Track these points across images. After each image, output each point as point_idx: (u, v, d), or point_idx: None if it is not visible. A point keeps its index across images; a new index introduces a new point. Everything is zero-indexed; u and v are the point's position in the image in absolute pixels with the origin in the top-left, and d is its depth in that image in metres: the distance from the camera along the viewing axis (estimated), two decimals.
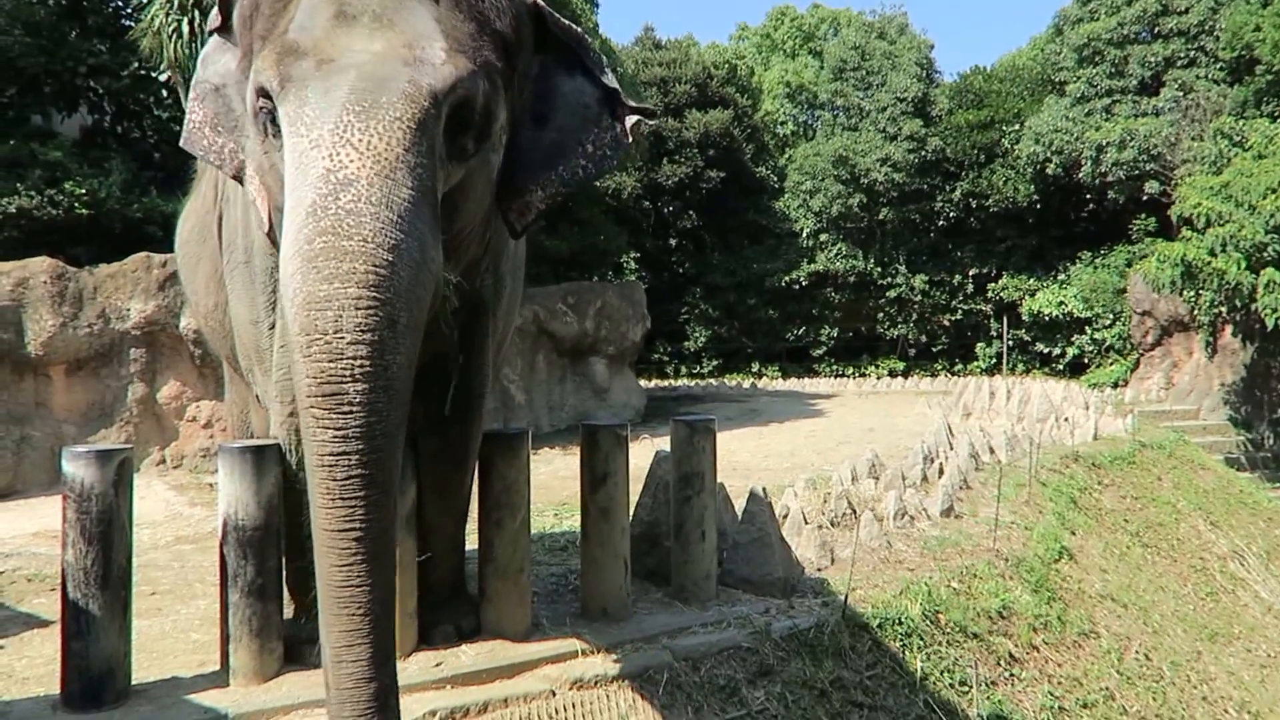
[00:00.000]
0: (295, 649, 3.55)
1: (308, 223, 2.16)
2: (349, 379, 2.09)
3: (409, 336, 2.22)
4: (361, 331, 2.09)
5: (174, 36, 10.00)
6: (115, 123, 12.37)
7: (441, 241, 2.47)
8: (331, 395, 2.09)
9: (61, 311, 8.85)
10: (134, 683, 3.32)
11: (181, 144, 3.11)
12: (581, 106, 3.03)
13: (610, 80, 3.04)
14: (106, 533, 3.15)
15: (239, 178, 3.01)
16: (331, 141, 2.24)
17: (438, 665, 3.56)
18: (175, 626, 4.36)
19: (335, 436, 2.10)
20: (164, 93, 11.97)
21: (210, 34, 3.11)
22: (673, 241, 26.22)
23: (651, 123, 3.11)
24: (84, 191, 10.13)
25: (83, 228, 10.22)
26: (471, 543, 4.06)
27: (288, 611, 3.66)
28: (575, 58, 3.03)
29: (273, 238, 2.76)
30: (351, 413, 2.10)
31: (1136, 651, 6.00)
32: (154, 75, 11.35)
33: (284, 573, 3.58)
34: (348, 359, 2.08)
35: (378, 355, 2.12)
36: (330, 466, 2.11)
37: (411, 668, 3.54)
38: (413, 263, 2.22)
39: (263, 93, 2.46)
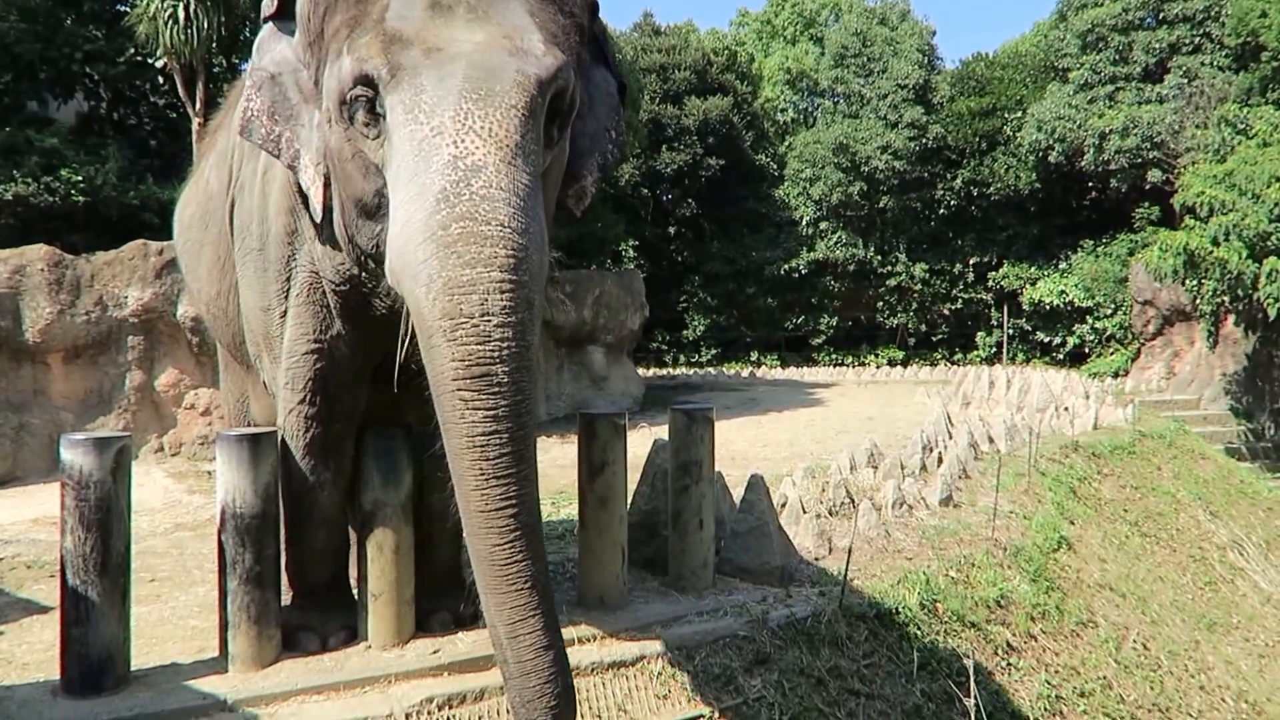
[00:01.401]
0: (293, 636, 3.57)
1: (440, 208, 2.20)
2: (497, 361, 2.15)
3: (539, 319, 2.31)
4: (507, 314, 2.16)
5: (170, 23, 9.96)
6: (111, 109, 12.35)
7: None
8: (481, 377, 2.14)
9: (59, 299, 8.84)
10: (133, 669, 3.34)
11: (239, 133, 3.11)
12: (608, 95, 3.18)
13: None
14: (105, 520, 3.16)
15: (293, 166, 3.02)
16: (454, 128, 2.29)
17: (435, 652, 3.58)
18: (174, 613, 4.38)
19: (486, 417, 2.16)
20: (160, 79, 11.93)
21: (265, 21, 3.11)
22: (671, 230, 26.18)
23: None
24: (80, 179, 10.12)
25: (79, 215, 10.21)
26: None
27: (285, 598, 3.67)
28: (600, 49, 3.16)
29: (333, 230, 2.83)
30: (501, 393, 2.16)
31: (1134, 641, 6.01)
32: (150, 62, 11.32)
33: (282, 560, 3.59)
34: (495, 341, 2.14)
35: (520, 336, 2.19)
36: (483, 447, 2.17)
37: (409, 655, 3.56)
38: (540, 246, 2.30)
39: (364, 80, 2.48)
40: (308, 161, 2.93)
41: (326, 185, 2.88)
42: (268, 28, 3.09)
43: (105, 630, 3.18)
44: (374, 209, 2.65)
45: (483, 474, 2.18)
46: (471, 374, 2.15)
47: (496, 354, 2.15)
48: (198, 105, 10.78)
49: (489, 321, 2.14)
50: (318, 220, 2.99)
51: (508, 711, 3.37)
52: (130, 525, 3.30)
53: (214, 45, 10.63)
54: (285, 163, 3.05)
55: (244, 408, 4.51)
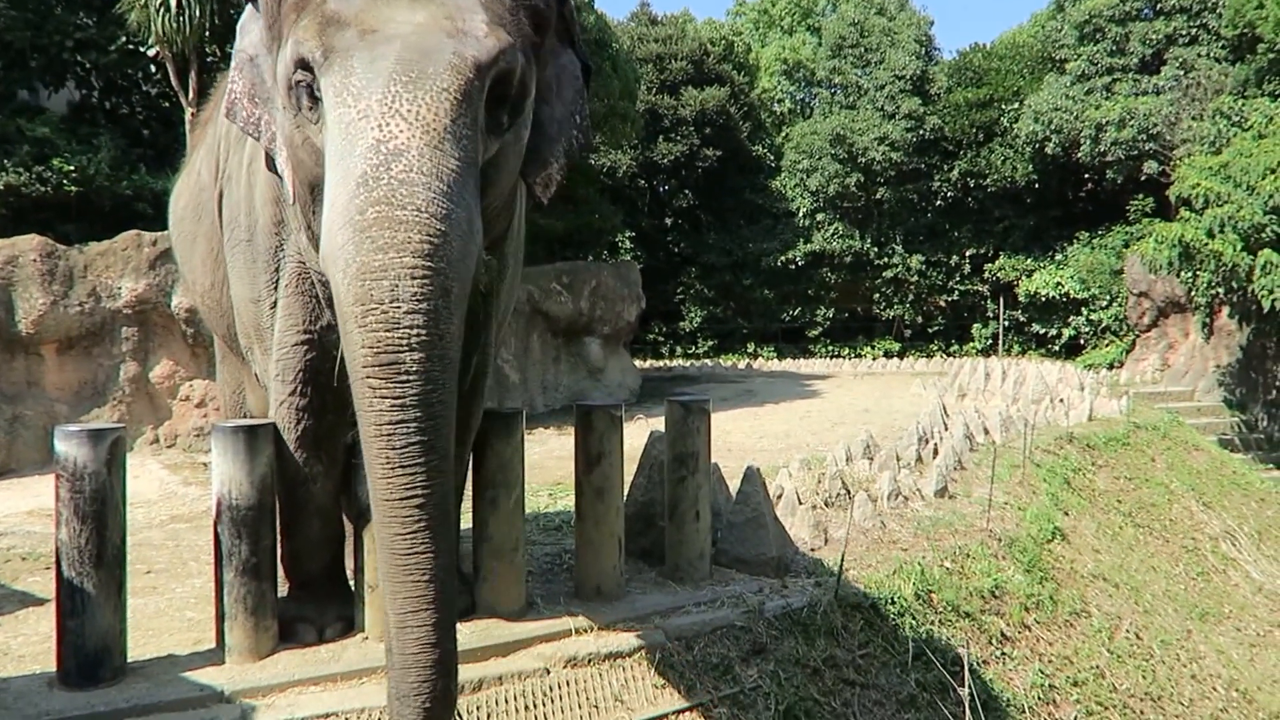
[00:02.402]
0: (290, 627, 3.58)
1: (359, 193, 2.17)
2: (406, 348, 2.11)
3: (460, 306, 2.26)
4: (418, 301, 2.12)
5: (161, 10, 9.89)
6: (103, 98, 12.28)
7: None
8: (389, 365, 2.11)
9: (52, 290, 8.80)
10: (130, 660, 3.34)
11: (224, 115, 3.08)
12: (574, 79, 3.10)
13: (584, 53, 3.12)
14: (100, 511, 3.16)
15: (271, 150, 2.99)
16: (380, 112, 2.25)
17: None
18: (170, 605, 4.37)
19: (394, 405, 2.12)
20: (152, 68, 11.86)
21: (247, 3, 3.07)
22: (668, 221, 26.13)
23: None
24: (72, 168, 10.07)
25: (72, 205, 10.17)
26: (466, 522, 4.07)
27: (282, 590, 3.67)
28: (569, 32, 3.08)
29: (305, 214, 2.76)
30: (409, 381, 2.12)
31: (1127, 630, 6.04)
32: (142, 50, 11.25)
33: (278, 551, 3.59)
34: (404, 328, 2.11)
35: (433, 324, 2.14)
36: (389, 435, 2.13)
37: None
38: (463, 233, 2.24)
39: (302, 64, 2.45)
40: (281, 144, 2.88)
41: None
42: (248, 9, 3.06)
43: (101, 622, 3.18)
44: (319, 195, 2.60)
45: (388, 462, 2.15)
46: (380, 361, 2.12)
47: (405, 341, 2.11)
48: (190, 94, 10.72)
49: (399, 308, 2.11)
50: (289, 204, 2.95)
51: (508, 702, 3.40)
52: (125, 517, 3.31)
53: (206, 33, 10.56)
54: (264, 145, 3.01)
55: (240, 399, 4.50)
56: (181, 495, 7.52)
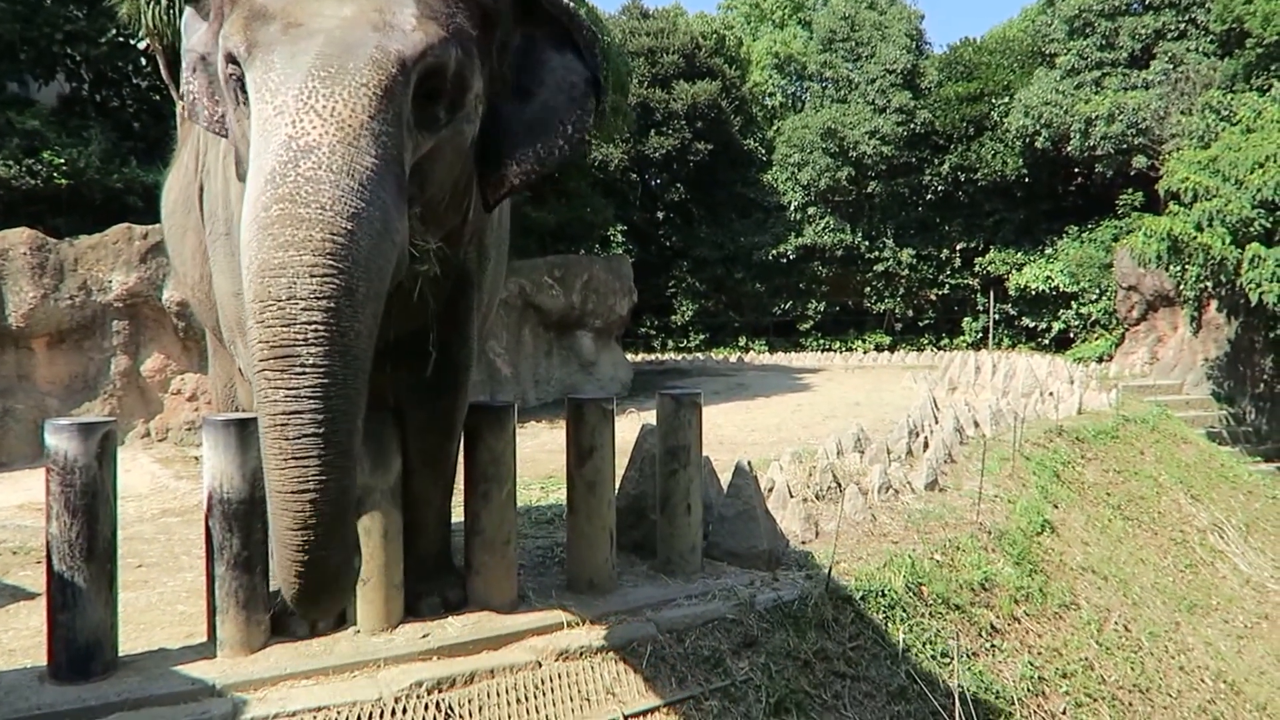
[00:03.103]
0: (282, 620, 3.57)
1: (265, 190, 2.16)
2: (301, 342, 2.09)
3: (369, 305, 2.22)
4: (316, 299, 2.10)
5: (152, 3, 9.81)
6: (94, 91, 12.17)
7: (413, 210, 2.46)
8: (283, 358, 2.10)
9: (42, 283, 8.75)
10: (121, 654, 3.34)
11: (187, 115, 3.08)
12: (569, 85, 3.00)
13: (598, 63, 3.01)
14: (91, 505, 3.16)
15: (237, 145, 2.98)
16: (295, 108, 2.22)
17: (424, 637, 3.59)
18: (162, 598, 4.36)
19: (287, 396, 2.10)
20: (143, 61, 11.77)
21: (189, 2, 3.06)
22: (660, 214, 26.10)
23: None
24: (63, 161, 9.98)
25: (62, 198, 10.08)
26: (458, 515, 4.08)
27: (273, 583, 3.67)
28: (566, 34, 3.00)
29: None
30: (304, 374, 2.10)
31: (1116, 623, 6.08)
32: (133, 43, 11.17)
33: (269, 545, 3.59)
34: (300, 324, 2.09)
35: (333, 322, 2.12)
36: (282, 426, 2.12)
37: (398, 639, 3.57)
38: (374, 231, 2.21)
39: (231, 59, 2.43)
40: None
41: None
42: (189, 9, 3.04)
43: (92, 616, 3.18)
44: None
45: (281, 453, 2.14)
46: (275, 354, 2.10)
47: (302, 336, 2.09)
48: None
49: (295, 305, 2.09)
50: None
51: (500, 695, 3.41)
52: (116, 510, 3.30)
53: None
54: (229, 142, 2.99)
55: (231, 393, 4.50)
56: (173, 489, 7.50)
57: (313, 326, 2.10)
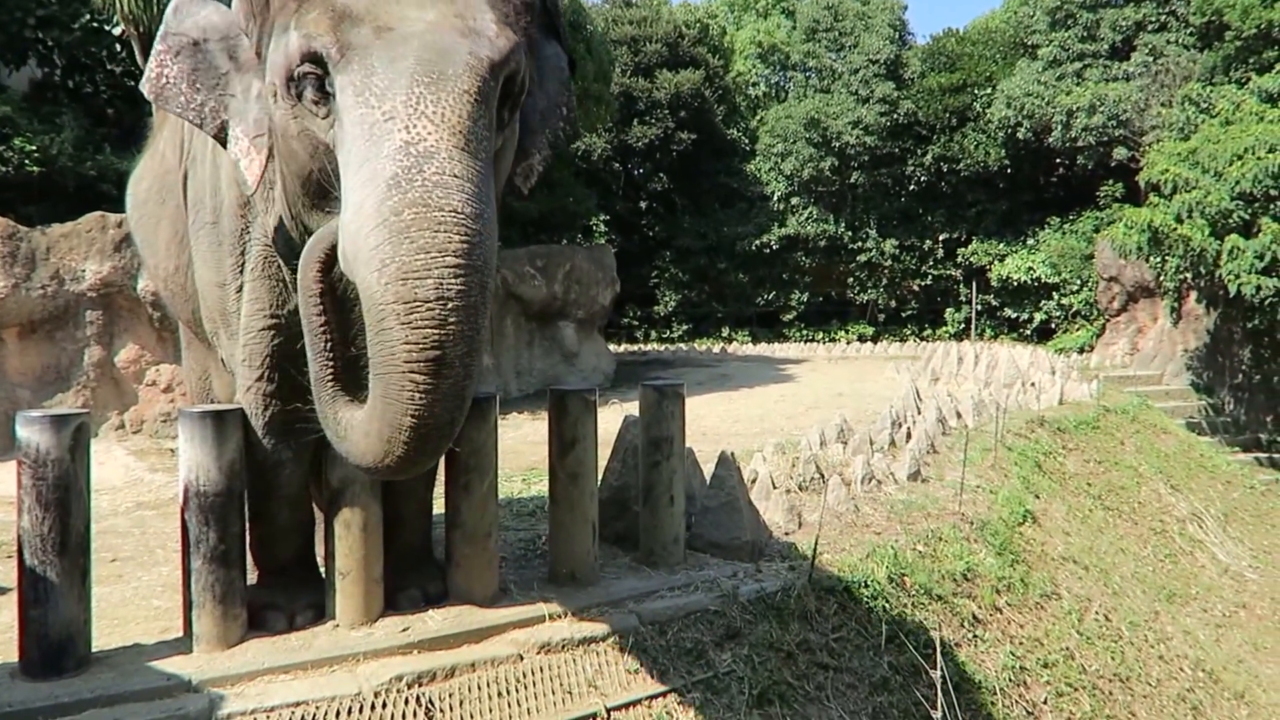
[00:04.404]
0: (259, 614, 3.54)
1: (392, 194, 2.21)
2: (451, 343, 2.20)
3: (490, 301, 2.37)
4: (462, 298, 2.20)
5: None
6: (66, 77, 11.95)
7: None
8: (435, 360, 2.20)
9: (13, 272, 8.61)
10: (95, 650, 3.29)
11: (153, 99, 3.01)
12: (559, 70, 3.15)
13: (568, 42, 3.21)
14: (63, 499, 3.10)
15: (220, 137, 2.94)
16: (406, 113, 2.28)
17: (404, 630, 3.56)
18: (137, 593, 4.32)
19: (434, 399, 2.24)
20: (118, 47, 11.60)
21: None
22: (643, 204, 26.03)
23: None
24: (34, 148, 9.81)
25: (34, 186, 9.91)
26: (438, 507, 4.04)
27: (251, 577, 3.62)
28: (552, 23, 3.13)
29: (292, 202, 2.78)
30: (452, 378, 2.24)
31: (1096, 612, 6.11)
32: (107, 29, 11.00)
33: (247, 538, 3.54)
34: (451, 325, 2.19)
35: (474, 320, 2.25)
36: (425, 425, 2.27)
37: (378, 633, 3.54)
38: (492, 231, 2.33)
39: (312, 58, 2.44)
40: (240, 133, 2.86)
41: (269, 158, 2.82)
42: None
43: (65, 611, 3.12)
44: (321, 188, 2.60)
45: (419, 448, 2.33)
46: (426, 357, 2.19)
47: (451, 337, 2.19)
48: None
49: (445, 305, 2.18)
50: (249, 193, 2.93)
51: (482, 689, 3.38)
52: (90, 504, 3.24)
53: None
54: (210, 133, 2.97)
55: (206, 385, 4.43)
56: (148, 482, 7.42)
57: (461, 326, 2.21)
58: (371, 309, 2.24)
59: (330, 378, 2.56)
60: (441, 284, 2.17)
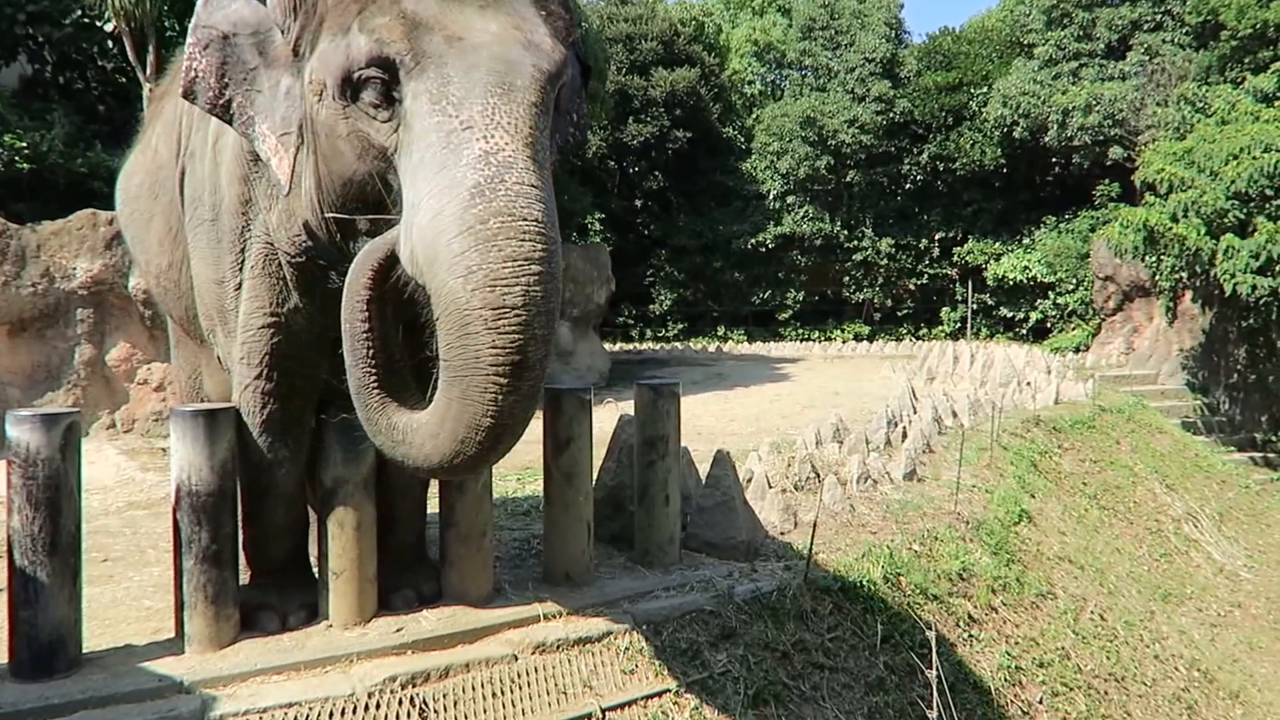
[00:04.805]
0: (252, 615, 3.52)
1: (476, 202, 2.28)
2: (533, 345, 2.31)
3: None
4: (544, 304, 2.31)
5: None
6: (57, 73, 11.92)
7: None
8: (518, 365, 2.30)
9: (3, 270, 8.58)
10: (86, 651, 3.26)
11: (182, 94, 2.98)
12: (572, 77, 3.16)
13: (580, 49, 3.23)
14: (54, 498, 3.08)
15: (247, 134, 2.92)
16: (484, 123, 2.35)
17: (398, 630, 3.54)
18: (128, 594, 4.29)
19: (515, 401, 2.35)
20: (109, 43, 11.56)
21: None
22: (638, 203, 25.99)
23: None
24: (25, 145, 9.77)
25: (25, 183, 9.88)
26: (432, 507, 4.02)
27: (243, 578, 3.60)
28: (569, 31, 3.15)
29: (326, 201, 2.79)
30: (532, 379, 2.35)
31: (1092, 612, 6.11)
32: (98, 25, 10.96)
33: (239, 538, 3.52)
34: (535, 329, 2.30)
35: (552, 324, 2.38)
36: (504, 424, 2.37)
37: (371, 633, 3.51)
38: (559, 238, 2.42)
39: (381, 62, 2.46)
40: (267, 130, 2.84)
41: (296, 156, 2.81)
42: None
43: (55, 612, 3.10)
44: (362, 190, 2.62)
45: (498, 438, 2.44)
46: (511, 360, 2.29)
47: (535, 340, 2.30)
48: (148, 70, 10.45)
49: (530, 311, 2.28)
50: (284, 194, 2.91)
51: (476, 689, 3.36)
52: (81, 504, 3.22)
53: (165, 7, 10.30)
54: (237, 129, 2.95)
55: (197, 384, 4.40)
56: (139, 481, 7.38)
57: (543, 331, 2.33)
58: (453, 313, 2.30)
59: (375, 384, 2.59)
60: (527, 291, 2.26)
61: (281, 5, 2.78)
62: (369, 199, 2.64)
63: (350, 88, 2.53)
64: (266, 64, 2.87)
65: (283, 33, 2.82)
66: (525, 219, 2.29)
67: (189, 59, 2.92)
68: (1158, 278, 15.17)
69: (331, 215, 2.79)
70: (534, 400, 2.41)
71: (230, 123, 2.95)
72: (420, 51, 2.42)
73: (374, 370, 2.59)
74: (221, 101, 2.91)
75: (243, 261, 3.37)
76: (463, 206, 2.28)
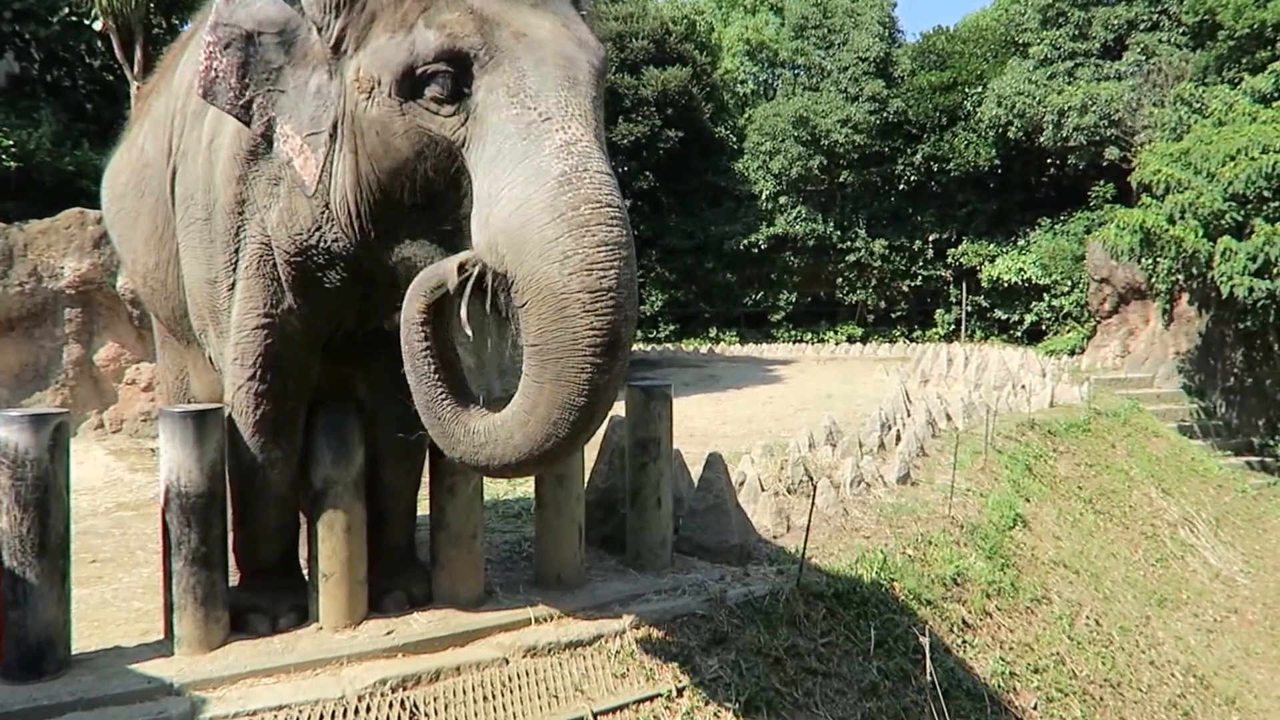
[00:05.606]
0: (242, 617, 3.50)
1: (564, 191, 2.37)
2: (625, 326, 2.41)
3: None
4: (630, 285, 2.42)
5: None
6: (44, 71, 11.86)
7: None
8: (612, 344, 2.38)
9: None
10: (75, 652, 3.24)
11: (200, 95, 2.93)
12: None
13: None
14: (42, 499, 3.06)
15: (268, 136, 2.89)
16: (560, 115, 2.46)
17: (389, 633, 3.53)
18: (117, 595, 4.27)
19: (608, 380, 2.41)
20: (96, 41, 11.50)
21: None
22: (629, 202, 25.80)
23: None
24: (12, 143, 9.71)
25: (11, 181, 9.81)
26: (422, 509, 3.99)
27: (233, 580, 3.57)
28: None
29: (369, 201, 2.80)
30: (623, 358, 2.44)
31: (1087, 617, 6.10)
32: (86, 23, 10.91)
33: (229, 540, 3.49)
34: (625, 310, 2.40)
35: (636, 305, 2.50)
36: (593, 405, 2.43)
37: (361, 636, 3.50)
38: None
39: (452, 56, 2.50)
40: (290, 130, 2.82)
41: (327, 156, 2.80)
42: None
43: (44, 613, 3.08)
44: (414, 187, 2.64)
45: (586, 424, 2.50)
46: (606, 341, 2.37)
47: (625, 320, 2.40)
48: (136, 68, 10.40)
49: (622, 293, 2.37)
50: (309, 194, 2.89)
51: (467, 693, 3.33)
52: (69, 505, 3.20)
53: (152, 6, 10.24)
54: (257, 130, 2.91)
55: (184, 384, 4.36)
56: (128, 482, 7.35)
57: (631, 311, 2.44)
58: (548, 297, 2.36)
59: (445, 397, 2.64)
60: (620, 274, 2.37)
61: (321, 2, 2.75)
62: (420, 195, 2.66)
63: (411, 83, 2.55)
64: (292, 63, 2.84)
65: (319, 30, 2.78)
66: (611, 205, 2.39)
67: (208, 58, 2.87)
68: (1154, 280, 15.16)
69: (374, 210, 2.80)
70: (620, 381, 2.49)
71: (249, 124, 2.91)
72: (494, 45, 2.50)
73: (440, 383, 2.64)
74: (242, 102, 2.87)
75: (236, 262, 3.34)
76: (552, 194, 2.37)
